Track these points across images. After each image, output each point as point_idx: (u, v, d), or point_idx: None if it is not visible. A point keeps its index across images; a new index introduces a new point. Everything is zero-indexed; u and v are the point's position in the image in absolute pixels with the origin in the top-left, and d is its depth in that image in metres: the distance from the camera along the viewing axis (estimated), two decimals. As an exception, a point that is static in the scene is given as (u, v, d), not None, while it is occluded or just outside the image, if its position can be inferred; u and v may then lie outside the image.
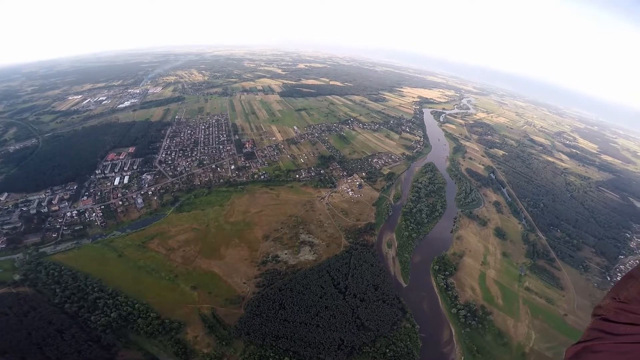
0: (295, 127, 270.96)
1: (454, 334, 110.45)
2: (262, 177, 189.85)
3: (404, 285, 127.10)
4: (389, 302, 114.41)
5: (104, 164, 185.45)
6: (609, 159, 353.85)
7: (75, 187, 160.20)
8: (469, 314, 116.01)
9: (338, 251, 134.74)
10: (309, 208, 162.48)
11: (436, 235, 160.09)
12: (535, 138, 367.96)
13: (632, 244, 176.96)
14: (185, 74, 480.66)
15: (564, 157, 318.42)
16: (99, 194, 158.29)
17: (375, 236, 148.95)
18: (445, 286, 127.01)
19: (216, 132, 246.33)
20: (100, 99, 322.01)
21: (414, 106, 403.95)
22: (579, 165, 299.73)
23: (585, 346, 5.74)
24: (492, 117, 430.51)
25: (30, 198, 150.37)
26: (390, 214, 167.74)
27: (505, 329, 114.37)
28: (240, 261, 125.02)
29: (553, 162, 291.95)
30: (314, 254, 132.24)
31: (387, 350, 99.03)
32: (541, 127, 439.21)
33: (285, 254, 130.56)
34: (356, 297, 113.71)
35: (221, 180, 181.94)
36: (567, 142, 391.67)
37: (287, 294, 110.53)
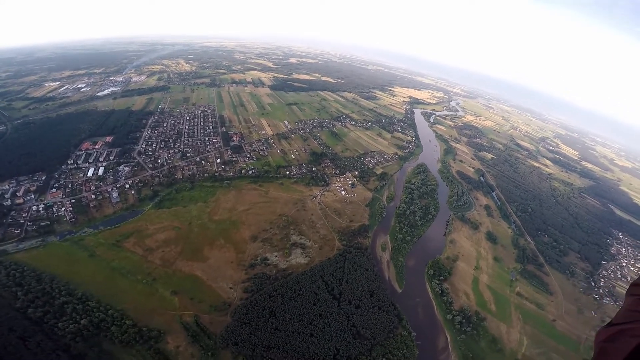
0: (285, 122, 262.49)
1: (449, 340, 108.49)
2: (250, 172, 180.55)
3: (399, 290, 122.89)
4: (385, 308, 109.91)
5: (78, 153, 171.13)
6: (589, 165, 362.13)
7: (43, 178, 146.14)
8: (463, 320, 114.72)
9: (331, 254, 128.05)
10: (300, 207, 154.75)
11: (430, 238, 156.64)
12: (521, 142, 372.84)
13: (613, 250, 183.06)
14: (172, 63, 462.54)
15: (548, 162, 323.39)
16: (69, 186, 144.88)
17: (369, 239, 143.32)
18: (440, 291, 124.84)
19: (202, 124, 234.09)
20: (79, 86, 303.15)
21: (404, 106, 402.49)
22: (562, 171, 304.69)
23: (622, 329, 5.18)
24: (480, 120, 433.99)
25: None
26: (384, 215, 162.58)
27: (499, 334, 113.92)
28: (226, 264, 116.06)
29: (538, 167, 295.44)
30: (306, 256, 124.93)
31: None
32: (526, 131, 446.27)
33: (275, 256, 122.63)
34: (351, 304, 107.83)
35: (206, 175, 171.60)
36: (551, 147, 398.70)
37: (278, 300, 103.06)
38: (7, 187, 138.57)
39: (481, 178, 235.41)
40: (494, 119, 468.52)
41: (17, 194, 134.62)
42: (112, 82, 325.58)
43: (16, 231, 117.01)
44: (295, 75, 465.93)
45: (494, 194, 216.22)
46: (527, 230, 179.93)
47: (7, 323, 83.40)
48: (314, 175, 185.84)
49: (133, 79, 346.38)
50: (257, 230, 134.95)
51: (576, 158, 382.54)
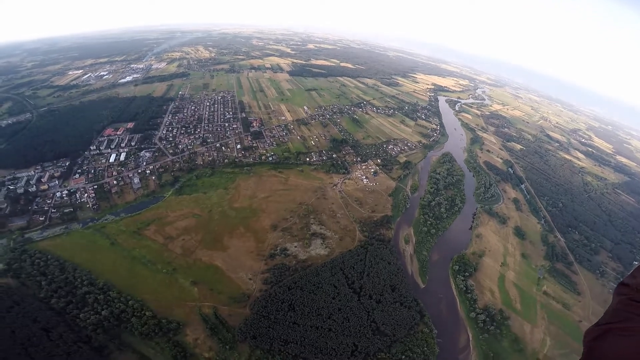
0: (305, 107, 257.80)
1: (471, 339, 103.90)
2: (270, 158, 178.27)
3: (422, 285, 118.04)
4: (407, 304, 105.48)
5: (100, 139, 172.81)
6: (624, 160, 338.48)
7: (67, 164, 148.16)
8: (487, 318, 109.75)
9: (352, 246, 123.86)
10: (320, 195, 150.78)
11: (455, 231, 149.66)
12: (552, 134, 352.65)
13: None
14: (192, 50, 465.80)
15: (580, 155, 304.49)
16: (92, 171, 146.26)
17: (392, 230, 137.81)
18: (464, 288, 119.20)
19: (222, 109, 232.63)
20: (102, 73, 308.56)
21: (428, 93, 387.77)
22: (595, 165, 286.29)
23: (610, 328, 5.22)
24: (507, 109, 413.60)
25: (19, 175, 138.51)
26: (408, 206, 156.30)
27: (522, 334, 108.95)
28: (246, 254, 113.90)
29: (570, 160, 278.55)
30: (326, 247, 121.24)
31: (403, 357, 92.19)
32: (557, 123, 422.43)
33: (295, 246, 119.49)
34: (372, 299, 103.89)
35: (226, 161, 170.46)
36: (583, 140, 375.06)
37: (297, 293, 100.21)
38: (33, 172, 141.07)
39: (510, 169, 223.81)
40: (523, 109, 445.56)
41: (42, 179, 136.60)
42: (133, 70, 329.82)
43: (40, 218, 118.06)
44: (313, 61, 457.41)
45: (523, 186, 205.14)
46: (557, 227, 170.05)
47: (32, 314, 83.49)
48: (335, 162, 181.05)
49: (153, 66, 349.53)
50: (277, 219, 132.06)
51: (610, 152, 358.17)
